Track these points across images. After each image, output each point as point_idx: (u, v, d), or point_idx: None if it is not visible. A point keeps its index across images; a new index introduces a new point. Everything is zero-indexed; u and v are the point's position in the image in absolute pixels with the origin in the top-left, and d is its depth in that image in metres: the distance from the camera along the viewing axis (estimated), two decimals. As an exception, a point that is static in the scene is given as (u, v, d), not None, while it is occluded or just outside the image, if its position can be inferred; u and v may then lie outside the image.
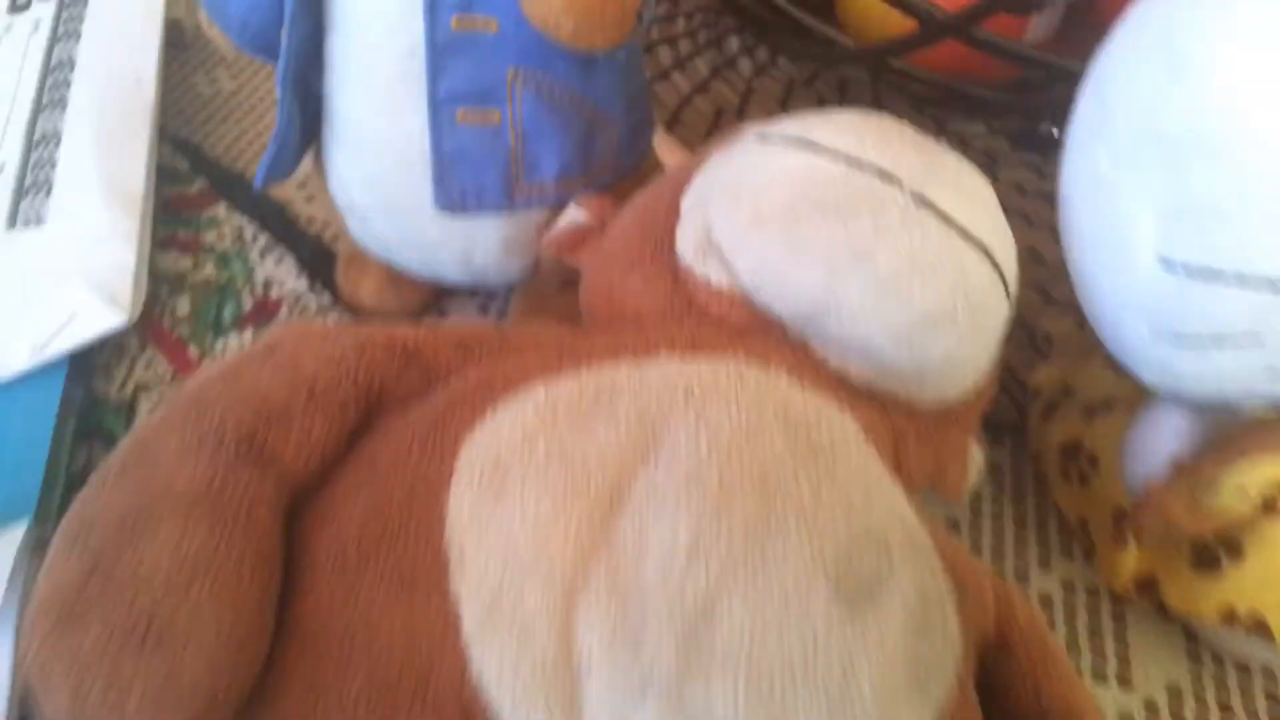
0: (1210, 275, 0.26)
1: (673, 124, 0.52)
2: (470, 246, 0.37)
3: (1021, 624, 0.27)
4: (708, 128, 0.52)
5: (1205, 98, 0.24)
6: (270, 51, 0.36)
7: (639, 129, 0.38)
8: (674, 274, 0.30)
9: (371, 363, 0.25)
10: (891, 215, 0.27)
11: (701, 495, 0.23)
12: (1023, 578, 0.37)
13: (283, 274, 0.43)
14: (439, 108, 0.33)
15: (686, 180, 0.31)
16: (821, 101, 0.54)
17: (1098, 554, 0.36)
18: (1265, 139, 0.24)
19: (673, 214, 0.30)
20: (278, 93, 0.35)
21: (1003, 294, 0.28)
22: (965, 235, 0.27)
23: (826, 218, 0.27)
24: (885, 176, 0.27)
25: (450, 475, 0.23)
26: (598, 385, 0.25)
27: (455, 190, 0.35)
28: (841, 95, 0.54)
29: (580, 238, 0.35)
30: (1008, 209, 0.51)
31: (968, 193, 0.28)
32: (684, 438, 0.24)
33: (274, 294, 0.43)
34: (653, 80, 0.54)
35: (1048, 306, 0.46)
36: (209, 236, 0.45)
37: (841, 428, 0.26)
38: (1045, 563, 0.38)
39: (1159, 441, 0.32)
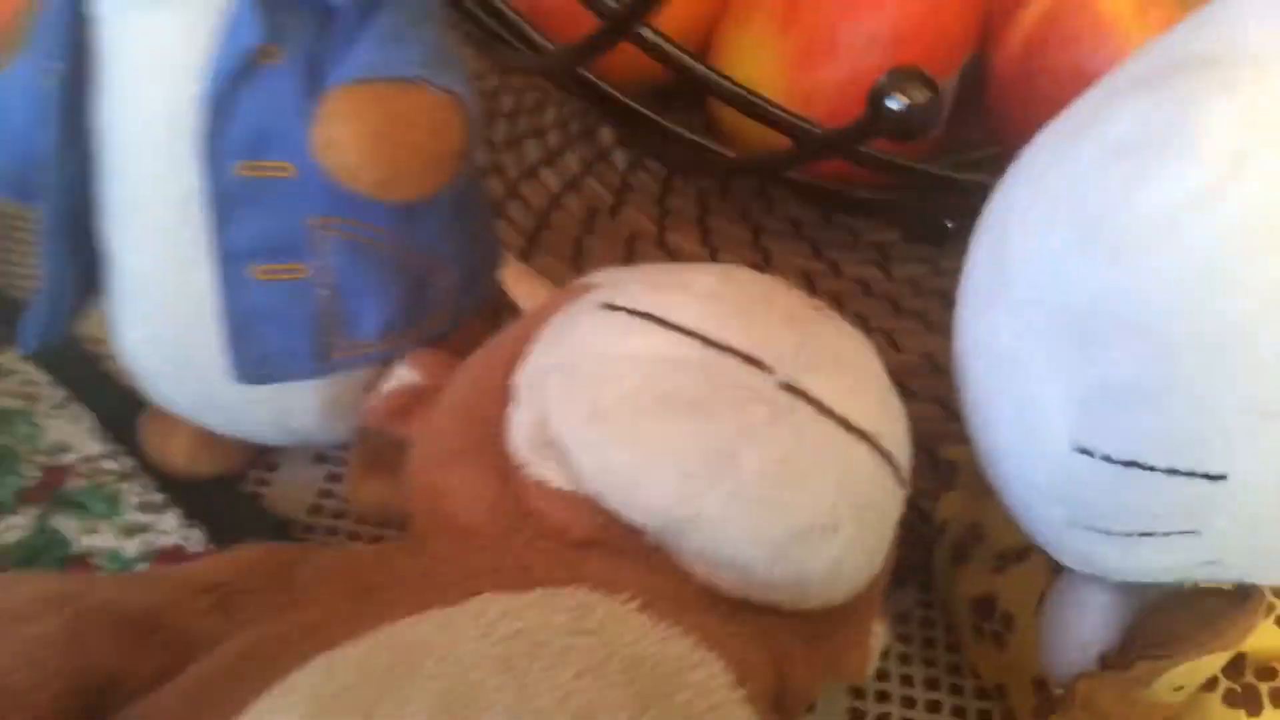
0: (1136, 468, 0.22)
1: (540, 229, 0.47)
2: (284, 411, 0.31)
3: None
4: (579, 232, 0.47)
5: (1127, 268, 0.20)
6: (33, 196, 0.30)
7: (480, 267, 0.33)
8: (504, 472, 0.24)
9: (89, 649, 0.19)
10: (757, 411, 0.22)
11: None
12: (939, 757, 0.33)
13: (77, 436, 0.37)
14: (229, 263, 0.28)
15: (522, 348, 0.26)
16: (703, 198, 0.50)
17: (1020, 725, 0.32)
18: (1201, 313, 0.20)
19: (503, 393, 0.25)
20: (42, 245, 0.30)
21: (895, 485, 0.24)
22: (847, 426, 0.23)
23: (679, 416, 0.22)
24: (750, 362, 0.23)
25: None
26: (391, 660, 0.20)
27: (255, 357, 0.29)
28: (724, 191, 0.50)
29: (410, 402, 0.30)
30: (902, 309, 0.47)
31: (849, 372, 0.24)
32: (500, 732, 0.19)
33: (65, 460, 0.36)
34: (519, 179, 0.49)
35: (949, 425, 0.42)
36: (-9, 392, 0.38)
37: (707, 681, 0.21)
38: (963, 737, 0.33)
39: (1083, 627, 0.27)
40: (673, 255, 0.46)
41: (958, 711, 0.34)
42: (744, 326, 0.23)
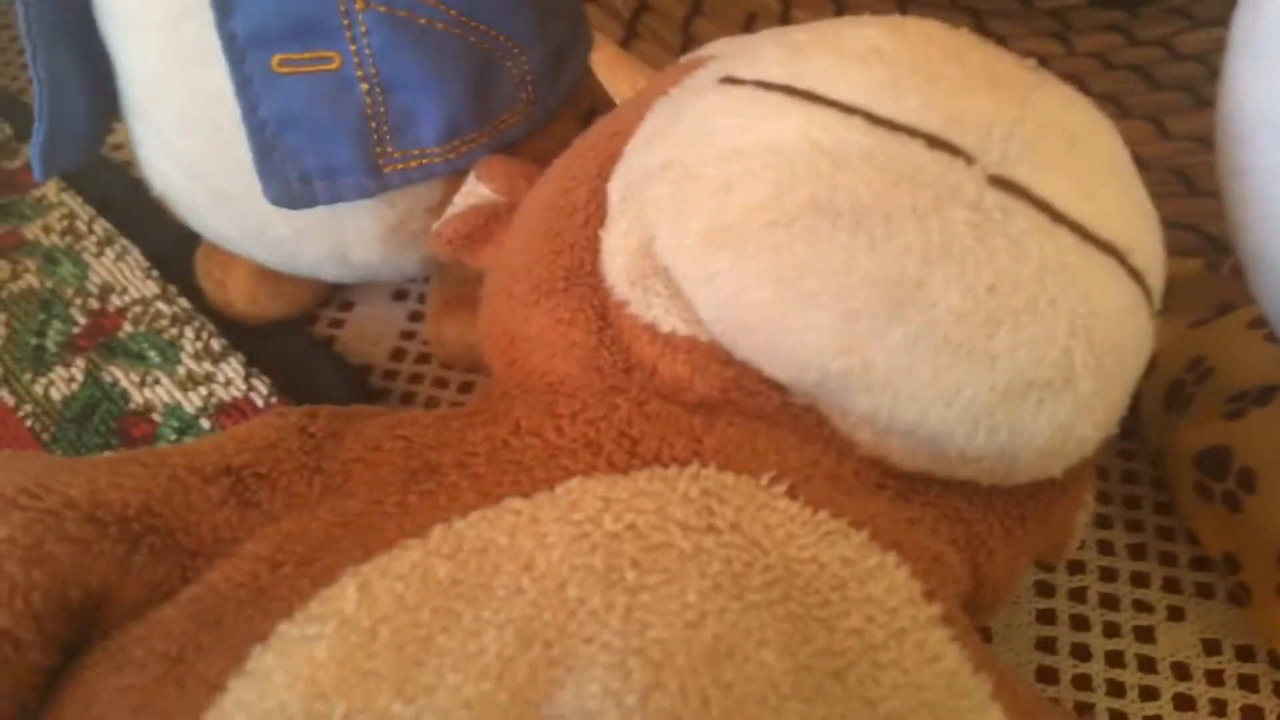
0: None
1: (641, 11, 0.39)
2: (341, 241, 0.26)
3: None
4: (688, 12, 0.39)
5: None
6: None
7: (564, 51, 0.26)
8: (601, 313, 0.18)
9: (56, 558, 0.15)
10: (954, 218, 0.15)
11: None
12: (1146, 638, 0.27)
13: (127, 275, 0.33)
14: (243, 55, 0.22)
15: (617, 147, 0.20)
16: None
17: (1254, 604, 0.26)
18: None
19: (594, 208, 0.19)
20: (26, 49, 0.24)
21: (1147, 317, 0.17)
22: (1085, 237, 0.16)
23: (839, 230, 0.15)
24: (941, 147, 0.16)
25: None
26: (454, 571, 0.15)
27: (291, 173, 0.23)
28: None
29: (483, 225, 0.24)
30: (1088, 89, 0.38)
31: (1085, 159, 0.16)
32: (598, 678, 0.13)
33: (115, 304, 0.32)
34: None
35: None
36: (32, 229, 0.34)
37: (886, 596, 0.15)
38: (1177, 614, 0.27)
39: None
40: (803, 37, 0.38)
41: (1170, 584, 0.28)
42: (929, 95, 0.16)
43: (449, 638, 0.14)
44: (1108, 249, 0.16)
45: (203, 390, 0.30)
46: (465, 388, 0.31)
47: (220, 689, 0.14)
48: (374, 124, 0.23)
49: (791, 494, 0.16)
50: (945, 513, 0.18)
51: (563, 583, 0.14)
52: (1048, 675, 0.26)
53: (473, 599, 0.14)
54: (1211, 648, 0.27)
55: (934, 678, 0.15)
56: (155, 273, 0.33)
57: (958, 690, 0.15)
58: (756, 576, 0.15)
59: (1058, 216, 0.15)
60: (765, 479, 0.16)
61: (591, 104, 0.29)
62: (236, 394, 0.30)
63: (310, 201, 0.24)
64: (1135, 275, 0.16)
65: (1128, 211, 0.17)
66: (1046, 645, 0.26)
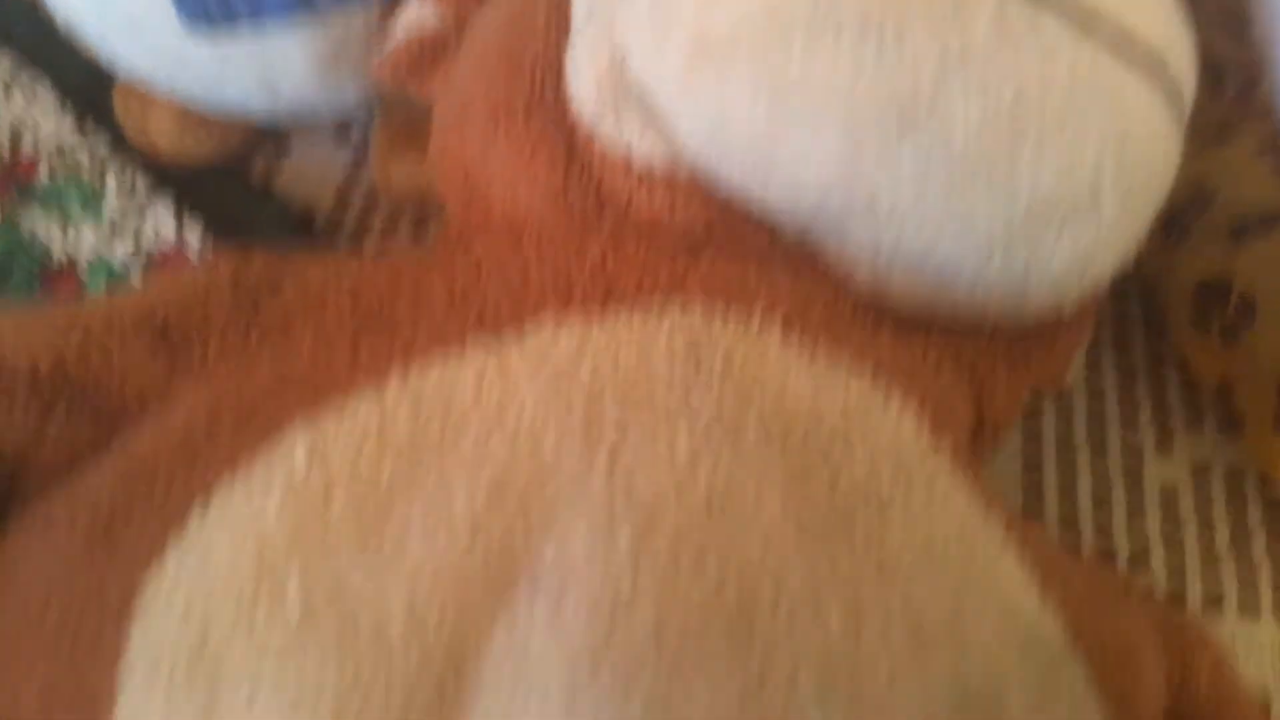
0: None
1: None
2: (268, 72, 0.24)
3: (1205, 687, 0.17)
4: None
5: None
6: None
7: None
8: (568, 143, 0.16)
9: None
10: (974, 23, 0.13)
11: (620, 673, 0.11)
12: (1135, 464, 0.26)
13: (37, 114, 0.30)
14: None
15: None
16: None
17: (1249, 432, 0.25)
18: None
19: (558, 25, 0.17)
20: None
21: (1177, 134, 0.15)
22: (1118, 43, 0.14)
23: (842, 41, 0.13)
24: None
25: (118, 663, 0.12)
26: (416, 426, 0.13)
27: (207, -8, 0.21)
28: None
29: (432, 51, 0.21)
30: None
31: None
32: (582, 538, 0.12)
33: (26, 147, 0.29)
34: None
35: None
36: (-71, 68, 0.30)
37: (893, 433, 0.14)
38: (1165, 442, 0.27)
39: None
40: None
41: (1159, 408, 0.27)
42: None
43: (415, 497, 0.12)
44: (1142, 57, 0.14)
45: (130, 240, 0.28)
46: (420, 230, 0.29)
47: (158, 555, 0.12)
48: (298, -67, 0.20)
49: (785, 335, 0.15)
50: (947, 352, 0.17)
51: (537, 441, 0.13)
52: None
53: (437, 458, 0.13)
54: (1200, 473, 0.26)
55: (944, 524, 0.13)
56: (70, 112, 0.30)
57: (968, 539, 0.14)
58: (751, 430, 0.13)
59: (1090, 16, 0.13)
60: (755, 320, 0.15)
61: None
62: (167, 243, 0.28)
63: (230, 22, 0.21)
64: (1168, 88, 0.14)
65: (1165, 17, 0.15)
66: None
